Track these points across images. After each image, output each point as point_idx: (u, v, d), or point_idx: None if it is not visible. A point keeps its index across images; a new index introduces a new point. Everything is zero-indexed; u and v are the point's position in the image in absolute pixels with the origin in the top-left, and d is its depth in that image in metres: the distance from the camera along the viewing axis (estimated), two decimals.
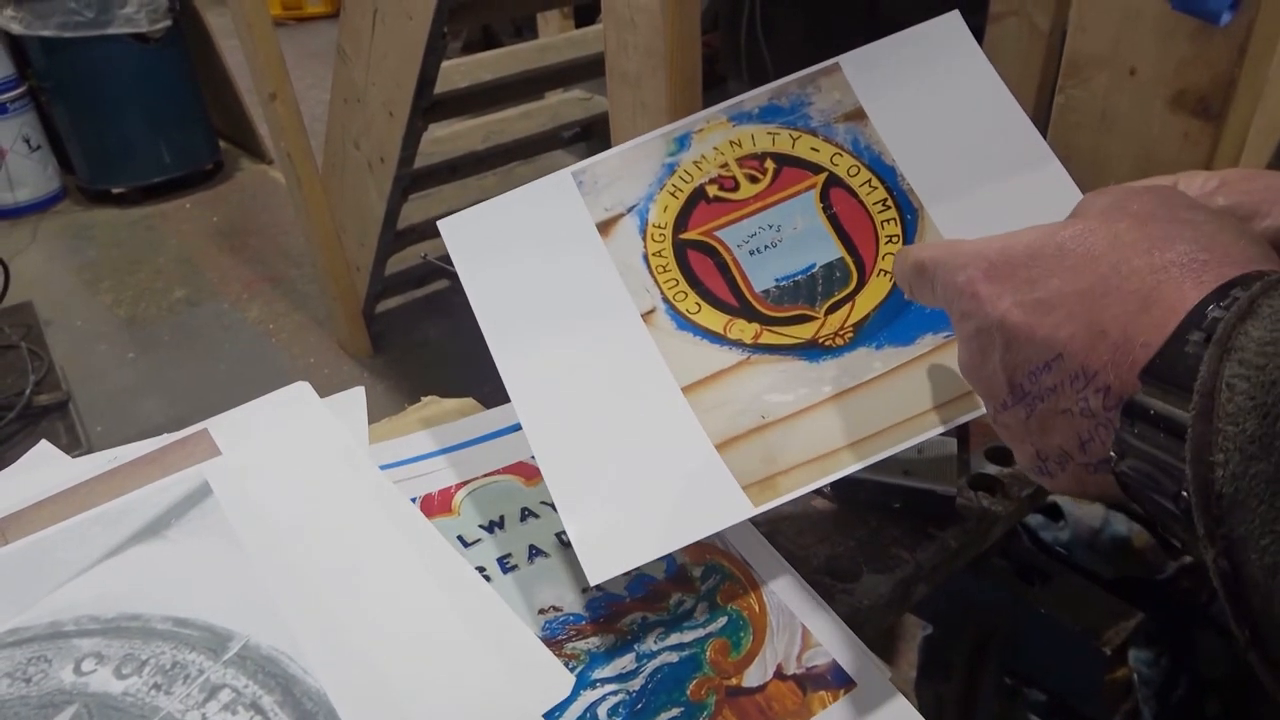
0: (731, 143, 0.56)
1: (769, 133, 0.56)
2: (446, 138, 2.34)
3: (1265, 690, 0.27)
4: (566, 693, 0.44)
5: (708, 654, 0.46)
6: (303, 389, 0.60)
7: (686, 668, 0.46)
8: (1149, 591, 0.79)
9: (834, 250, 0.53)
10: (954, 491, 0.54)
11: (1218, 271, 0.30)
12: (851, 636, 0.47)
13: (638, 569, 0.50)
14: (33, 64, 3.10)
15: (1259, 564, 0.25)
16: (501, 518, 0.54)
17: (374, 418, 0.61)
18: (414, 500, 0.55)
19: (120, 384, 2.36)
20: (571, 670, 0.45)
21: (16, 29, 2.94)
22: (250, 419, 0.59)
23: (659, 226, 0.54)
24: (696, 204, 0.55)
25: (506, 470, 0.57)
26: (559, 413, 0.50)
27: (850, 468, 0.48)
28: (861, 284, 0.52)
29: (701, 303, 0.53)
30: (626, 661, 0.46)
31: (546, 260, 0.54)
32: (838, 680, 0.45)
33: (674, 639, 0.47)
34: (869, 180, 0.54)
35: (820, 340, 0.51)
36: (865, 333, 0.51)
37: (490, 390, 0.58)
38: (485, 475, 0.57)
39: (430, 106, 1.91)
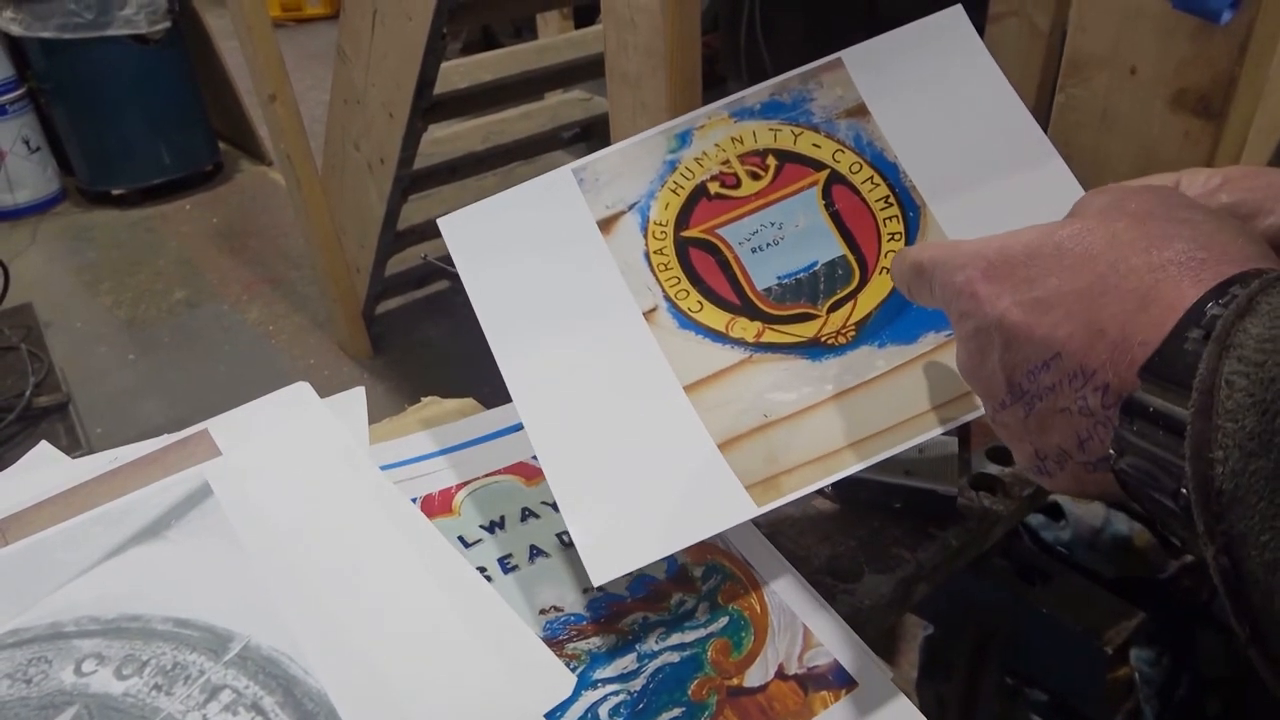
0: (733, 139, 0.55)
1: (771, 129, 0.55)
2: (446, 138, 2.34)
3: (1266, 688, 0.27)
4: (568, 693, 0.44)
5: (709, 654, 0.46)
6: (303, 389, 0.60)
7: (688, 668, 0.45)
8: (1150, 591, 0.79)
9: (836, 248, 0.53)
10: (955, 491, 0.54)
11: (1216, 270, 0.30)
12: (853, 636, 0.47)
13: (639, 569, 0.50)
14: (32, 65, 3.10)
15: (1259, 560, 0.25)
16: (502, 518, 0.54)
17: (374, 418, 0.61)
18: (414, 501, 0.55)
19: (120, 385, 2.36)
20: (573, 670, 0.45)
21: (16, 30, 2.94)
22: (251, 420, 0.59)
23: (660, 224, 0.54)
24: (698, 201, 0.54)
25: (507, 470, 0.57)
26: (561, 412, 0.50)
27: (853, 467, 0.47)
28: (864, 282, 0.52)
29: (703, 301, 0.52)
30: (628, 662, 0.46)
31: (547, 258, 0.54)
32: (839, 680, 0.45)
33: (675, 639, 0.47)
34: (871, 177, 0.54)
35: (822, 339, 0.51)
36: (868, 331, 0.51)
37: (490, 391, 0.58)
38: (486, 475, 0.57)
39: (430, 107, 1.91)
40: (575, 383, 0.51)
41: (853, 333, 0.51)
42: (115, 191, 3.28)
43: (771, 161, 0.55)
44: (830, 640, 0.47)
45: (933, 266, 0.40)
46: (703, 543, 0.52)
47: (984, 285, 0.36)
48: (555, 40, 2.45)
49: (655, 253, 0.54)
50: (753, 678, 0.45)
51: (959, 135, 0.54)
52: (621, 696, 0.44)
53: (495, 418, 0.61)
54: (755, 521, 0.53)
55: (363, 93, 1.94)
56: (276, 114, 2.02)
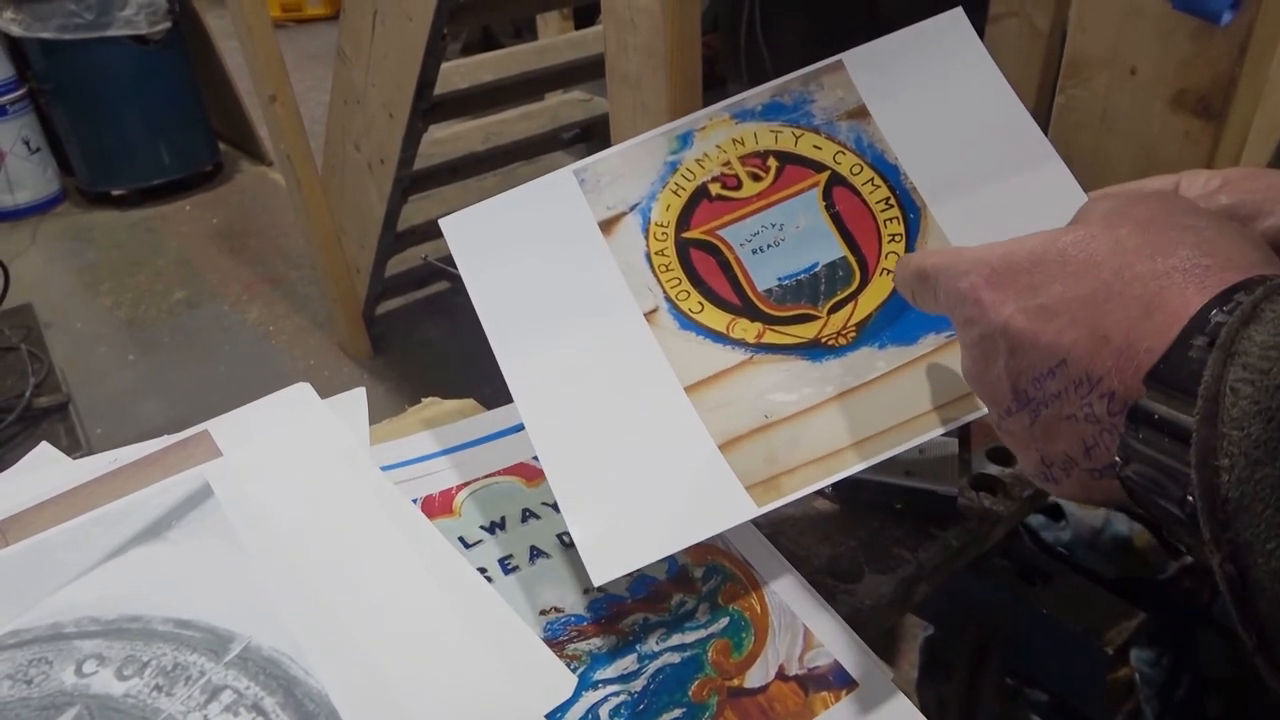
0: (734, 141, 0.55)
1: (772, 131, 0.55)
2: (446, 139, 2.34)
3: (1267, 689, 0.27)
4: (569, 694, 0.44)
5: (709, 655, 0.46)
6: (304, 390, 0.60)
7: (688, 669, 0.45)
8: (1151, 591, 0.79)
9: (836, 249, 0.53)
10: (955, 492, 0.54)
11: (1220, 276, 0.30)
12: (853, 637, 0.47)
13: (639, 569, 0.50)
14: (32, 66, 3.10)
15: (1265, 569, 0.25)
16: (503, 518, 0.54)
17: (374, 419, 0.61)
18: (415, 501, 0.55)
19: (120, 386, 2.36)
20: (573, 671, 0.45)
21: (16, 31, 2.94)
22: (251, 420, 0.59)
23: (661, 225, 0.54)
24: (699, 202, 0.54)
25: (507, 471, 0.57)
26: (561, 412, 0.50)
27: (854, 468, 0.47)
28: (864, 283, 0.52)
29: (704, 302, 0.52)
30: (628, 662, 0.46)
31: (548, 259, 0.54)
32: (840, 681, 0.45)
33: (676, 640, 0.47)
34: (872, 179, 0.54)
35: (823, 340, 0.51)
36: (868, 332, 0.51)
37: (491, 391, 0.58)
38: (486, 476, 0.57)
39: (430, 108, 1.91)
40: (576, 383, 0.51)
41: (853, 334, 0.51)
42: (115, 192, 3.28)
43: (772, 163, 0.55)
44: (831, 641, 0.47)
45: (936, 273, 0.40)
46: (703, 543, 0.52)
47: (988, 292, 0.36)
48: (555, 41, 2.45)
49: (656, 254, 0.54)
50: (753, 678, 0.45)
51: (959, 137, 0.54)
52: (622, 697, 0.44)
53: (496, 418, 0.61)
54: (756, 522, 0.53)
55: (363, 93, 1.94)
56: (277, 114, 2.02)
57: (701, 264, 0.53)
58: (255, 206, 3.31)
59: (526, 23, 3.43)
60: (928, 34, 0.55)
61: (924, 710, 0.43)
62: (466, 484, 0.56)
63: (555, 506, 0.52)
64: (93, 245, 3.09)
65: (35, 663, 0.45)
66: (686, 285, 0.53)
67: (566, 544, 0.52)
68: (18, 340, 0.93)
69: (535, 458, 0.51)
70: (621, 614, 0.48)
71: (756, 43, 2.31)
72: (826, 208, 0.54)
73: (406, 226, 2.18)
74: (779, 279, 0.53)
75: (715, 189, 0.55)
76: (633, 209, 0.55)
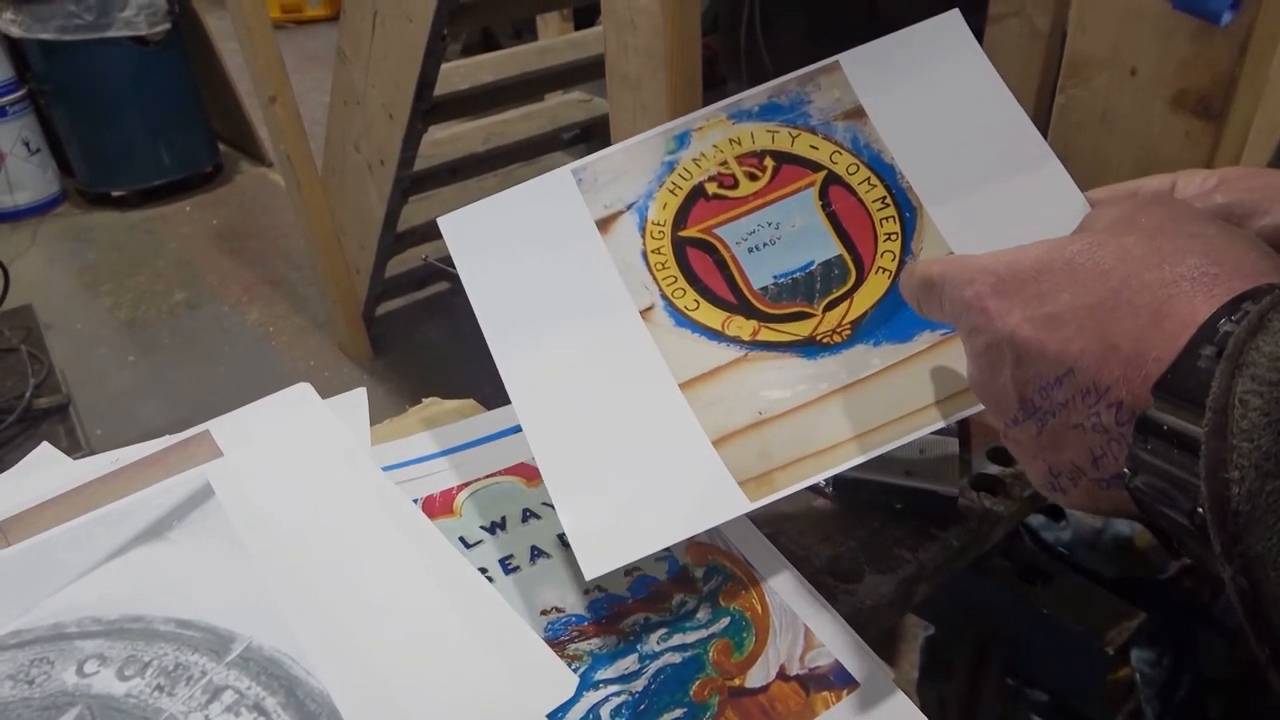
0: (731, 140, 0.56)
1: (768, 130, 0.56)
2: (446, 140, 2.34)
3: (1268, 691, 0.27)
4: (570, 693, 0.44)
5: (710, 655, 0.46)
6: (305, 390, 0.60)
7: (689, 668, 0.45)
8: (1151, 591, 0.79)
9: (832, 248, 0.53)
10: (956, 492, 0.54)
11: (1228, 285, 0.30)
12: (854, 637, 0.47)
13: (640, 570, 0.50)
14: (32, 67, 3.10)
15: (1278, 582, 0.25)
16: (503, 519, 0.54)
17: (375, 420, 0.61)
18: (416, 502, 0.55)
19: (120, 387, 2.36)
20: (574, 671, 0.45)
21: (16, 32, 2.94)
22: (252, 420, 0.59)
23: (658, 224, 0.54)
24: (696, 201, 0.55)
25: (508, 471, 0.57)
26: (556, 408, 0.50)
27: (847, 463, 0.48)
28: (860, 281, 0.52)
29: (700, 300, 0.53)
30: (629, 662, 0.46)
31: (546, 257, 0.54)
32: (840, 681, 0.45)
33: (676, 640, 0.47)
34: (868, 178, 0.54)
35: (818, 337, 0.51)
36: (863, 330, 0.51)
37: (491, 392, 0.58)
38: (487, 476, 0.57)
39: (430, 109, 1.91)
40: (571, 379, 0.51)
41: (848, 331, 0.51)
42: (115, 193, 3.28)
43: (769, 162, 0.55)
44: (831, 641, 0.47)
45: (941, 281, 0.40)
46: (704, 543, 0.52)
47: (994, 300, 0.36)
48: (555, 42, 2.45)
49: (653, 252, 0.54)
50: (754, 678, 0.45)
51: (956, 137, 0.54)
52: (623, 697, 0.44)
53: (496, 419, 0.61)
54: (756, 522, 0.53)
55: (363, 94, 1.94)
56: (276, 115, 2.02)
57: (698, 262, 0.53)
58: (255, 207, 3.32)
59: (526, 23, 3.43)
60: (924, 35, 0.55)
61: (925, 710, 0.43)
62: (467, 484, 0.56)
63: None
64: (93, 246, 3.09)
65: (37, 663, 0.45)
66: (682, 283, 0.53)
67: (567, 544, 0.52)
68: (18, 341, 0.93)
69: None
70: (622, 614, 0.48)
71: (756, 43, 2.31)
72: (823, 207, 0.54)
73: (406, 227, 2.18)
74: (774, 277, 0.53)
75: (712, 188, 0.55)
76: (630, 208, 0.55)
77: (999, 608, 0.72)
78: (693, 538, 0.51)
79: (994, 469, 0.58)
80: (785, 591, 0.49)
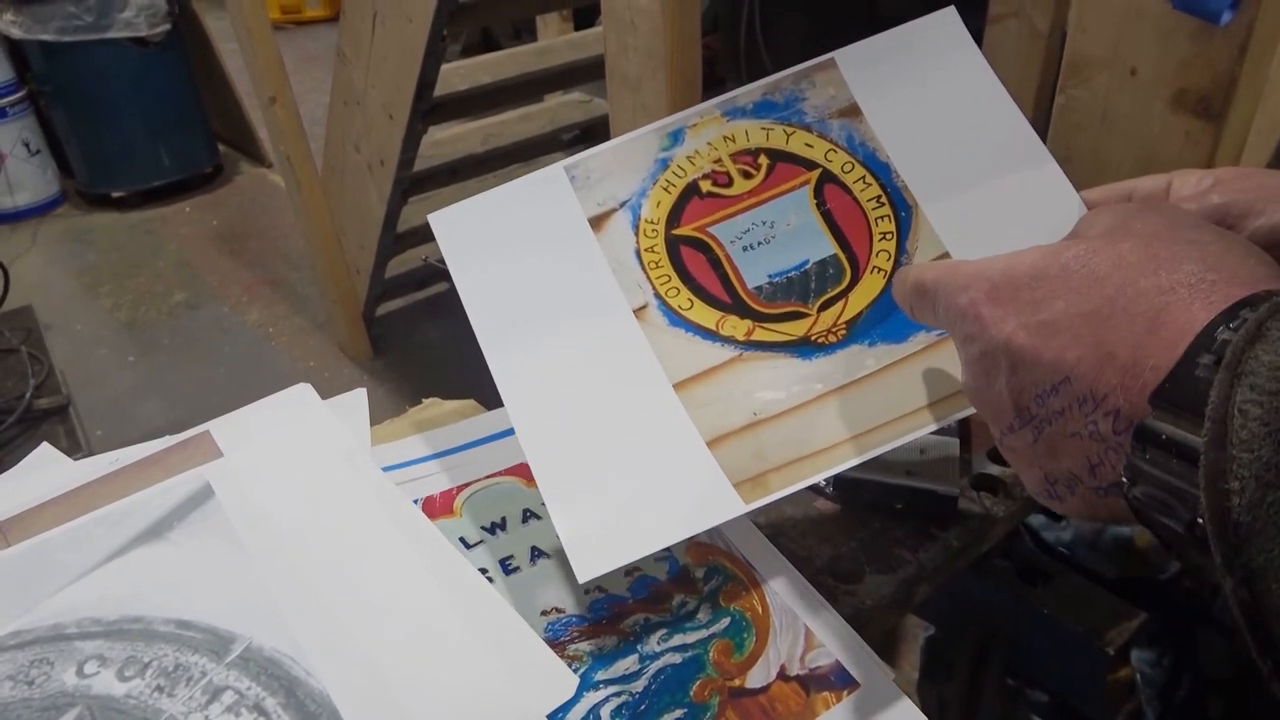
0: (725, 138, 0.55)
1: (763, 128, 0.55)
2: (446, 140, 2.34)
3: (1268, 691, 0.26)
4: (570, 694, 0.44)
5: (711, 655, 0.46)
6: (305, 391, 0.60)
7: (689, 669, 0.45)
8: (1151, 591, 0.79)
9: (827, 247, 0.53)
10: (956, 492, 0.54)
11: (1226, 292, 0.30)
12: (855, 637, 0.47)
13: (640, 570, 0.50)
14: (32, 68, 3.10)
15: None
16: (503, 519, 0.54)
17: (375, 420, 0.61)
18: (416, 502, 0.55)
19: (120, 388, 2.36)
20: (574, 672, 0.45)
21: (16, 33, 2.94)
22: (252, 421, 0.59)
23: (651, 222, 0.54)
24: (689, 199, 0.54)
25: (508, 472, 0.57)
26: (549, 409, 0.50)
27: (842, 465, 0.47)
28: (855, 281, 0.52)
29: (694, 299, 0.52)
30: (629, 663, 0.46)
31: (538, 255, 0.54)
32: (841, 681, 0.45)
33: (677, 640, 0.47)
34: (863, 177, 0.54)
35: (813, 337, 0.51)
36: (858, 330, 0.51)
37: (491, 392, 0.58)
38: (487, 477, 0.57)
39: (430, 109, 1.91)
40: (564, 379, 0.51)
41: (843, 331, 0.51)
42: (115, 194, 3.28)
43: (763, 160, 0.55)
44: (832, 641, 0.47)
45: (935, 287, 0.39)
46: (704, 543, 0.52)
47: (988, 307, 0.36)
48: (555, 42, 2.45)
49: (646, 250, 0.54)
50: (754, 679, 0.45)
51: (951, 135, 0.54)
52: (623, 698, 0.44)
53: (496, 419, 0.61)
54: (757, 522, 0.53)
55: (363, 95, 1.94)
56: (276, 116, 2.02)
57: (691, 261, 0.53)
58: (255, 208, 3.32)
59: (526, 24, 3.43)
60: (920, 32, 0.55)
61: (925, 711, 0.43)
62: (467, 484, 0.56)
63: None
64: (93, 247, 3.09)
65: (36, 663, 0.45)
66: (676, 282, 0.53)
67: None
68: (18, 342, 0.93)
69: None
70: (622, 614, 0.48)
71: (756, 43, 2.31)
72: (817, 205, 0.53)
73: (406, 228, 2.18)
74: (769, 276, 0.53)
75: (706, 186, 0.55)
76: (623, 205, 0.55)
77: (999, 608, 0.72)
78: (693, 537, 0.50)
79: (994, 469, 0.58)
80: (786, 592, 0.49)
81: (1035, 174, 0.52)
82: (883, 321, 0.51)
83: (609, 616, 0.48)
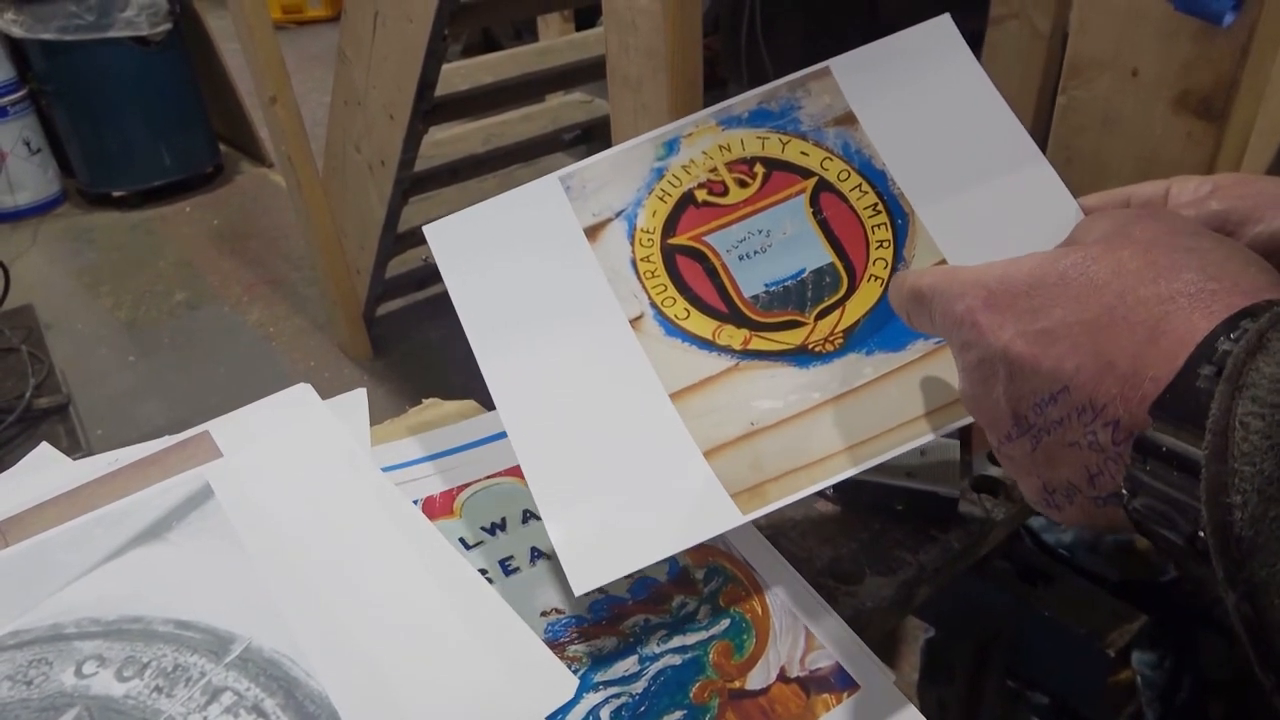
0: (721, 147, 0.55)
1: (758, 137, 0.55)
2: (447, 140, 2.34)
3: (1270, 705, 0.26)
4: (570, 695, 0.44)
5: (710, 657, 0.46)
6: (305, 391, 0.60)
7: (689, 670, 0.45)
8: (1152, 593, 0.79)
9: (824, 255, 0.53)
10: (957, 494, 0.54)
11: (1227, 301, 0.30)
12: (855, 639, 0.47)
13: (640, 571, 0.50)
14: (33, 67, 3.10)
15: None
16: (503, 520, 0.54)
17: (375, 420, 0.60)
18: (416, 502, 0.55)
19: (120, 387, 2.36)
20: (574, 673, 0.45)
21: (17, 32, 2.94)
22: (252, 421, 0.59)
23: (647, 231, 0.54)
24: (685, 209, 0.54)
25: (508, 472, 0.57)
26: (545, 419, 0.50)
27: (840, 475, 0.47)
28: (852, 289, 0.52)
29: (690, 308, 0.52)
30: (629, 664, 0.46)
31: (533, 266, 0.54)
32: (841, 683, 0.45)
33: (676, 641, 0.47)
34: (859, 185, 0.54)
35: (810, 346, 0.51)
36: (856, 338, 0.51)
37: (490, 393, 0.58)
38: (487, 477, 0.57)
39: (431, 109, 1.91)
40: (560, 390, 0.50)
41: (840, 340, 0.51)
42: (116, 193, 3.28)
43: (759, 169, 0.55)
44: (832, 643, 0.46)
45: (932, 293, 0.39)
46: (704, 545, 0.52)
47: (986, 315, 0.35)
48: (556, 42, 2.45)
49: (642, 260, 0.53)
50: (754, 680, 0.45)
51: (947, 143, 0.53)
52: (623, 699, 0.44)
53: (496, 420, 0.61)
54: (757, 524, 0.53)
55: (364, 95, 1.94)
56: (277, 116, 2.02)
57: (687, 270, 0.53)
58: (256, 208, 3.32)
59: (527, 24, 3.43)
60: (915, 40, 0.55)
61: (925, 713, 0.43)
62: (467, 485, 0.56)
63: None
64: (93, 246, 3.09)
65: (35, 663, 0.45)
66: (672, 292, 0.53)
67: None
68: (18, 341, 0.93)
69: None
70: (622, 615, 0.48)
71: (757, 44, 2.31)
72: (814, 214, 0.53)
73: (407, 228, 2.18)
74: (766, 285, 0.52)
75: (702, 195, 0.54)
76: (619, 215, 0.54)
77: (1000, 610, 0.72)
78: None
79: (995, 471, 0.58)
80: (786, 593, 0.49)
81: (1032, 180, 0.51)
82: (880, 330, 0.50)
83: (609, 618, 0.48)
